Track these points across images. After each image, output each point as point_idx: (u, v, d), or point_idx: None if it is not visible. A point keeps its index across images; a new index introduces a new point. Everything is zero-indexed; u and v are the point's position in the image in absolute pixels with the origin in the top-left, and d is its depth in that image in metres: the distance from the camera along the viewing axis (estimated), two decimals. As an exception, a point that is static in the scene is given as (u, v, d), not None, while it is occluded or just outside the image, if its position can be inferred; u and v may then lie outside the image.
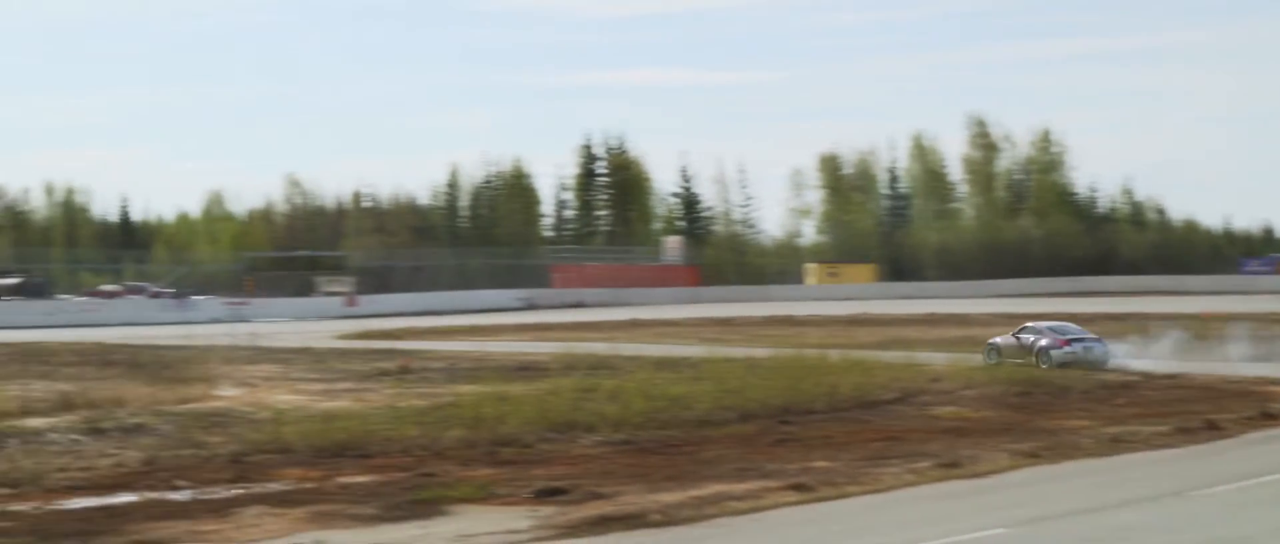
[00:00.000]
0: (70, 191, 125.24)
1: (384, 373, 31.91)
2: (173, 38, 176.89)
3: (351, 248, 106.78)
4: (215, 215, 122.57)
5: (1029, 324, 37.55)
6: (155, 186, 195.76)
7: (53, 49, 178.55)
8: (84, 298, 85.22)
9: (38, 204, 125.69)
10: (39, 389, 28.21)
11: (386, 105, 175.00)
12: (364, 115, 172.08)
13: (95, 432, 20.99)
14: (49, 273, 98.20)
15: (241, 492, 16.12)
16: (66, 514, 14.82)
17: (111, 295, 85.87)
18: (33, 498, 15.73)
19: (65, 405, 23.89)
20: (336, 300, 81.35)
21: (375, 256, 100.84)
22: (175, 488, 16.40)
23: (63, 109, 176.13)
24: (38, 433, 20.60)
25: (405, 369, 32.70)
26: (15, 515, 14.68)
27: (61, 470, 17.51)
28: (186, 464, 18.12)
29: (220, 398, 26.14)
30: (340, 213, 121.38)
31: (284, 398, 26.51)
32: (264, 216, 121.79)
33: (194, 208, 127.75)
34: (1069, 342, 36.04)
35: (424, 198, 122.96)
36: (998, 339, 36.87)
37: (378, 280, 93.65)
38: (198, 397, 25.76)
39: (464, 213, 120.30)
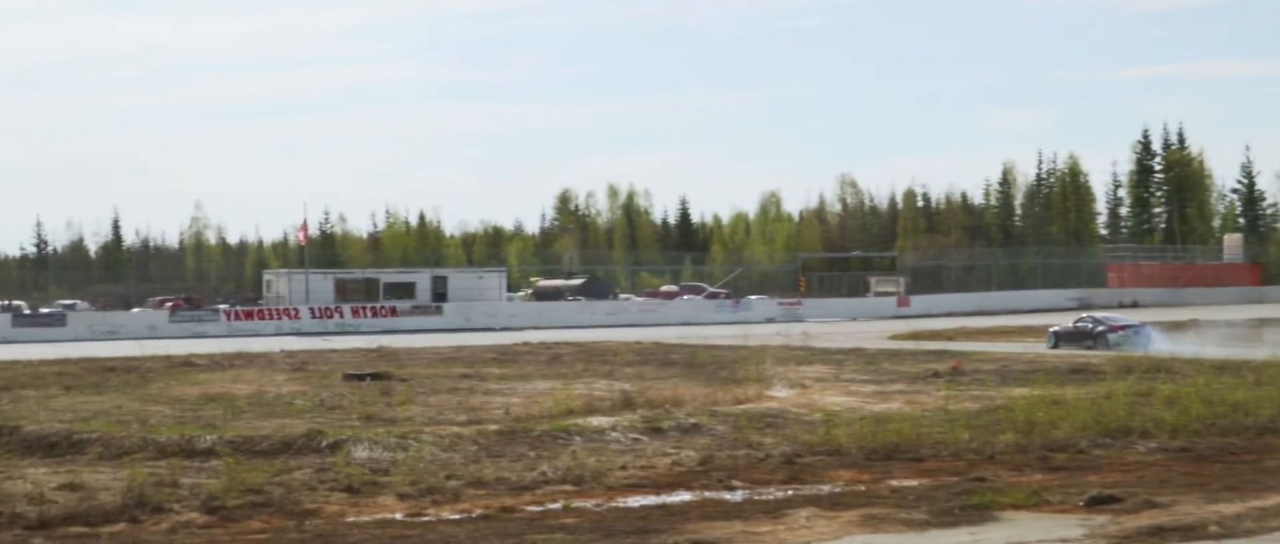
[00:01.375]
0: (631, 194, 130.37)
1: (935, 374, 31.61)
2: (724, 42, 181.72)
3: (903, 247, 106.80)
4: (770, 215, 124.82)
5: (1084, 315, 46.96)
6: (712, 188, 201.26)
7: (613, 56, 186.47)
8: (643, 298, 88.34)
9: (601, 207, 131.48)
10: (602, 388, 29.38)
11: (940, 102, 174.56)
12: (917, 113, 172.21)
13: (654, 431, 21.59)
14: (611, 274, 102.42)
15: (793, 493, 16.20)
16: (627, 512, 15.21)
17: (670, 296, 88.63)
18: (595, 495, 16.27)
19: (626, 404, 24.70)
20: (888, 300, 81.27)
21: (927, 256, 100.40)
22: (730, 488, 16.64)
23: (625, 114, 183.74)
24: (600, 431, 21.32)
25: (957, 371, 32.33)
26: (579, 512, 15.20)
27: (623, 469, 18.06)
28: (741, 464, 18.37)
29: (773, 399, 26.43)
30: (892, 212, 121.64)
31: (835, 399, 26.61)
32: (817, 216, 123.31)
33: (750, 208, 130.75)
34: (1122, 328, 43.35)
35: (977, 196, 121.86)
36: (1056, 328, 45.17)
37: (930, 280, 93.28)
38: (752, 397, 26.15)
39: (1018, 211, 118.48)
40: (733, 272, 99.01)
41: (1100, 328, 43.01)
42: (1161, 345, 39.65)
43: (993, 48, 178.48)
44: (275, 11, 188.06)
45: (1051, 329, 45.26)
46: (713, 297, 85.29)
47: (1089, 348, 41.13)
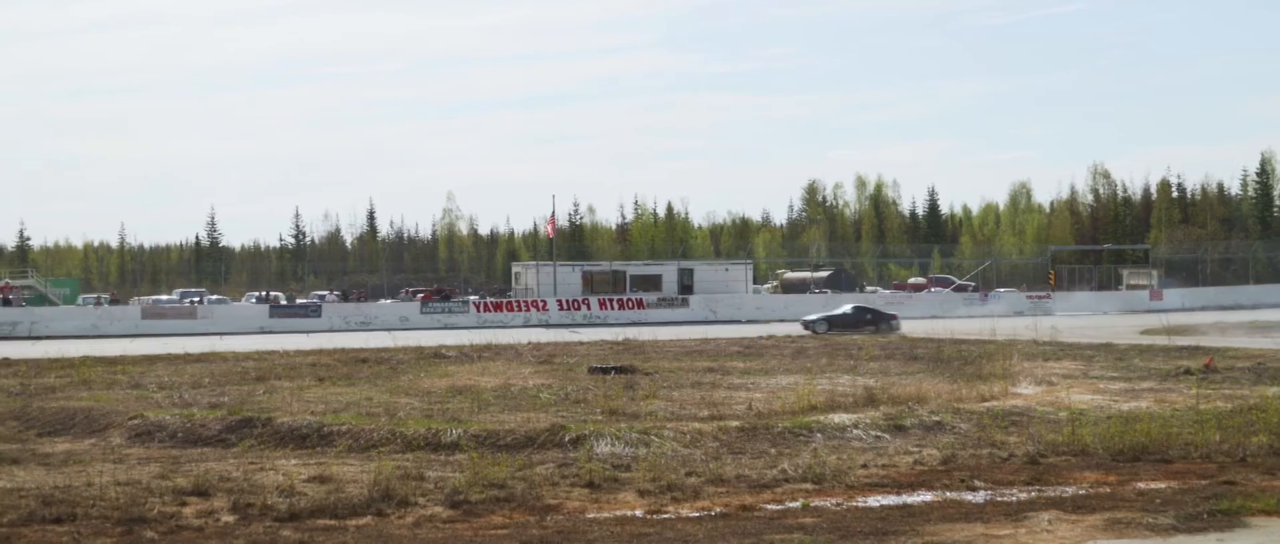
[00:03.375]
0: (879, 185, 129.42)
1: (1187, 372, 30.72)
2: (974, 30, 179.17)
3: (1157, 239, 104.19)
4: (1020, 207, 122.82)
5: None
6: (961, 179, 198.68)
7: (862, 46, 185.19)
8: (890, 290, 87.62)
9: (848, 198, 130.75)
10: (845, 383, 29.24)
11: (1197, 90, 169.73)
12: (1173, 101, 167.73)
13: (896, 428, 21.39)
14: (858, 266, 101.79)
15: (1036, 495, 15.88)
16: (866, 511, 15.08)
17: (917, 288, 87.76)
18: (835, 494, 16.18)
19: (869, 401, 24.54)
20: (1140, 294, 79.33)
21: (1181, 248, 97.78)
22: (972, 489, 16.39)
23: (873, 104, 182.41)
24: (842, 428, 21.19)
25: (1209, 368, 31.37)
26: (818, 511, 15.13)
27: (864, 467, 17.93)
28: (983, 464, 18.09)
29: (1019, 396, 25.99)
30: (1146, 203, 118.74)
31: (1083, 397, 26.04)
32: (1068, 207, 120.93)
33: (1000, 199, 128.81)
34: None
35: (1234, 186, 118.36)
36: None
37: (1184, 273, 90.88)
38: (997, 394, 25.76)
39: (1277, 203, 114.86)
40: (981, 264, 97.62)
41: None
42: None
43: (1252, 34, 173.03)
44: (526, 4, 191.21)
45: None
46: (960, 289, 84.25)
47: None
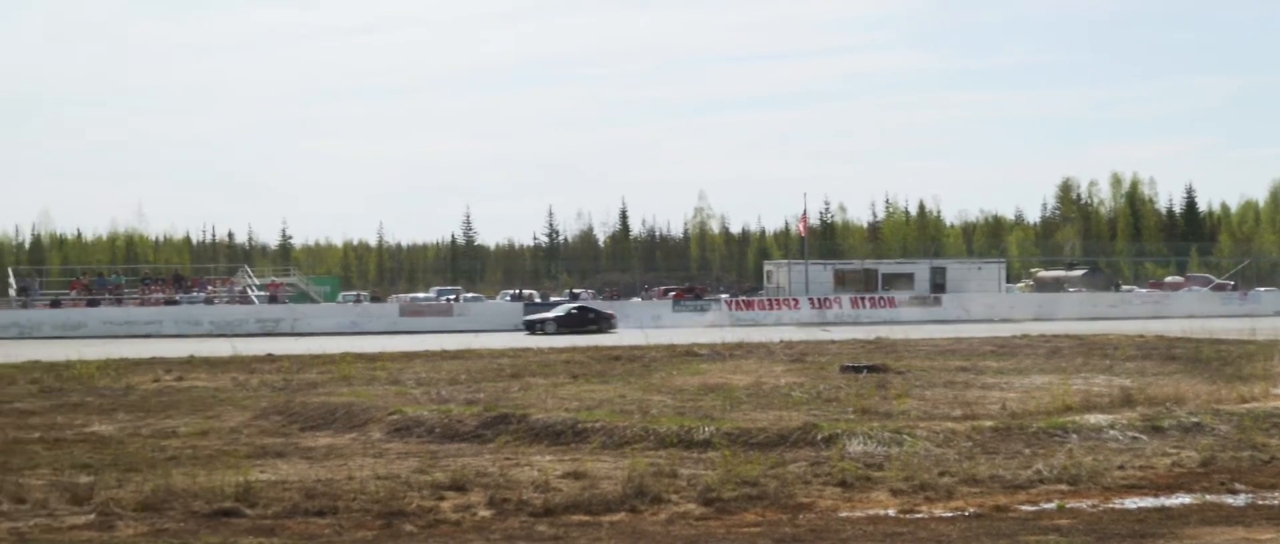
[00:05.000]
0: (1135, 182, 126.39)
1: None
2: (1232, 24, 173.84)
3: None
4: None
5: None
6: (1220, 175, 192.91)
7: (1116, 41, 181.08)
8: (1146, 289, 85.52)
9: (1103, 196, 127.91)
10: (1100, 383, 28.66)
11: None
12: None
13: (1154, 429, 20.86)
14: (1114, 264, 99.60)
15: (1296, 498, 15.47)
16: (1122, 514, 14.80)
17: (1174, 287, 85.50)
18: (1091, 495, 15.90)
19: (1125, 401, 24.00)
20: None
21: None
22: (1232, 492, 15.98)
23: (1128, 100, 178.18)
24: (1098, 429, 20.77)
25: None
26: (1074, 512, 14.90)
27: (1120, 469, 17.58)
28: (1244, 467, 17.59)
29: (1281, 397, 25.25)
30: None
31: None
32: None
33: (1260, 196, 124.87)
34: None
35: None
36: None
37: None
38: (1258, 396, 24.94)
39: None
40: (1240, 262, 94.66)
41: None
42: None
43: None
44: (775, 2, 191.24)
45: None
46: (1219, 288, 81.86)
47: None
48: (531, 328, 61.63)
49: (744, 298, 77.05)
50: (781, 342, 45.01)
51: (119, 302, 76.12)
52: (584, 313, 63.54)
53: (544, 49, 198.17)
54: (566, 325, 61.72)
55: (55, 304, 76.31)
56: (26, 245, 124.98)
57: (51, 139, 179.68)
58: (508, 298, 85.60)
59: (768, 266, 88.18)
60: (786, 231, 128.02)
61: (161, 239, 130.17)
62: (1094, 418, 21.67)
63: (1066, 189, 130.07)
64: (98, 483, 16.67)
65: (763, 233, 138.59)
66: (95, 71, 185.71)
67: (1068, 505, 15.32)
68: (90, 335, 65.33)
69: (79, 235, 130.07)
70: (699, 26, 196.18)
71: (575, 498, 15.38)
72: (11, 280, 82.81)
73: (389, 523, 14.34)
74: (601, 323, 62.63)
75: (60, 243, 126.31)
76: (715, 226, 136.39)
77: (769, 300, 74.11)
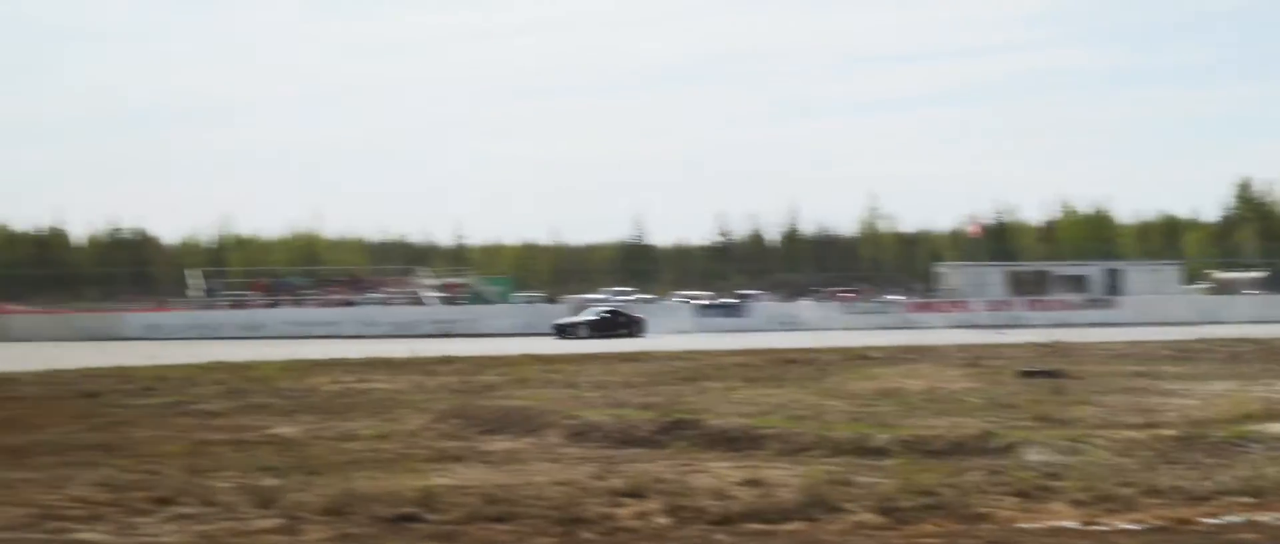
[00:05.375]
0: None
1: None
2: None
3: None
4: None
5: None
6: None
7: None
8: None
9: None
10: (1284, 390, 28.07)
11: None
12: None
13: (1344, 439, 20.42)
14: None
15: None
16: (1313, 527, 14.53)
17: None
18: (1276, 508, 15.57)
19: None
20: None
21: None
22: None
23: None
24: (1280, 438, 20.39)
25: None
26: (1259, 527, 14.57)
27: (1306, 480, 17.22)
28: None
29: None
30: None
31: None
32: None
33: None
34: None
35: None
36: None
37: None
38: None
39: None
40: None
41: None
42: None
43: None
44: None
45: None
46: None
47: None
48: (563, 332, 62.29)
49: (917, 299, 76.53)
50: (955, 345, 44.61)
51: (299, 303, 77.69)
52: (616, 317, 64.95)
53: (714, 48, 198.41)
54: (599, 330, 62.32)
55: (237, 305, 78.15)
56: (210, 247, 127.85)
57: (234, 143, 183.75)
58: (680, 299, 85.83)
59: (939, 268, 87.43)
60: (959, 232, 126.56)
61: (338, 240, 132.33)
62: (1277, 427, 21.20)
63: (1244, 188, 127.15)
64: (283, 486, 17.02)
65: (934, 233, 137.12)
66: (274, 76, 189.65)
67: (1254, 518, 14.99)
68: (271, 336, 66.83)
69: (259, 237, 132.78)
70: (868, 25, 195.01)
71: (752, 506, 15.40)
72: (196, 281, 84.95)
73: (569, 530, 14.47)
74: (632, 327, 63.48)
75: (242, 244, 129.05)
76: (886, 227, 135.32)
77: (942, 302, 73.52)
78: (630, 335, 61.98)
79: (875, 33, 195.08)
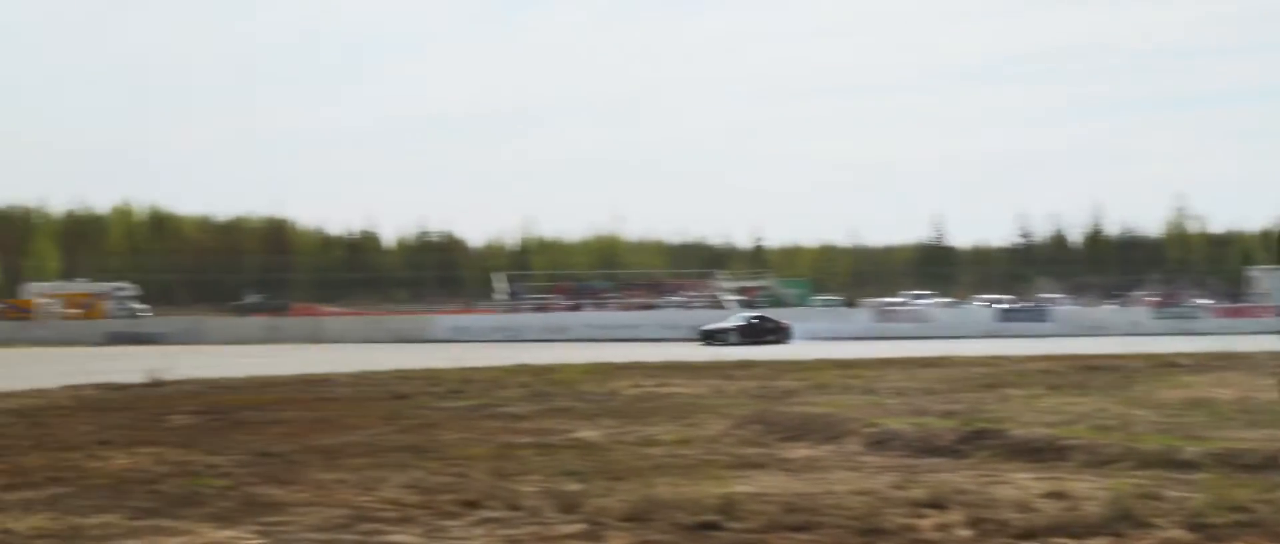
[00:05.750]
0: None
1: None
2: None
3: None
4: None
5: None
6: None
7: None
8: None
9: None
10: None
11: None
12: None
13: None
14: None
15: None
16: None
17: None
18: None
19: None
20: None
21: None
22: None
23: None
24: None
25: None
26: None
27: None
28: None
29: None
30: None
31: None
32: None
33: None
34: None
35: None
36: None
37: None
38: None
39: None
40: None
41: None
42: None
43: None
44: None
45: None
46: None
47: None
48: (709, 338, 62.24)
49: (1227, 305, 74.01)
50: (1269, 352, 42.97)
51: (600, 305, 78.91)
52: (764, 323, 65.13)
53: (1010, 46, 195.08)
54: (748, 336, 62.33)
55: (541, 308, 79.71)
56: (514, 250, 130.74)
57: (537, 147, 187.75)
58: (981, 303, 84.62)
59: (1252, 272, 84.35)
60: (1272, 233, 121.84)
61: (639, 243, 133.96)
62: None
63: None
64: (585, 491, 17.31)
65: (1246, 234, 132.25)
66: (576, 80, 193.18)
67: None
68: (573, 339, 68.07)
69: (562, 240, 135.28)
70: (1163, 21, 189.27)
71: (1057, 520, 15.09)
72: (501, 284, 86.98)
73: (869, 540, 14.40)
74: (779, 334, 63.37)
75: (545, 247, 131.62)
76: (1195, 227, 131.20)
77: (1254, 307, 70.95)
78: (777, 342, 62.38)
79: (1172, 28, 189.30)
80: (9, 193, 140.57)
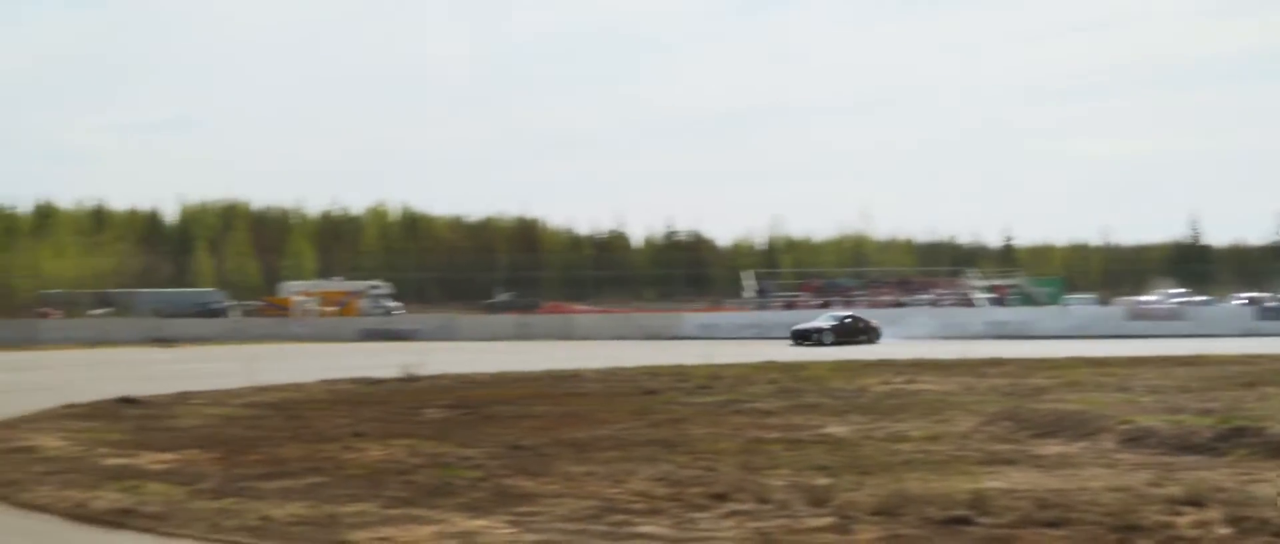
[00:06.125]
0: None
1: None
2: None
3: None
4: None
5: None
6: None
7: None
8: None
9: None
10: None
11: None
12: None
13: None
14: None
15: None
16: None
17: None
18: None
19: None
20: None
21: None
22: None
23: None
24: None
25: None
26: None
27: None
28: None
29: None
30: None
31: None
32: None
33: None
34: None
35: None
36: None
37: None
38: None
39: None
40: None
41: None
42: None
43: None
44: None
45: None
46: None
47: None
48: (802, 338, 62.01)
49: None
50: None
51: (848, 303, 78.59)
52: (856, 323, 65.75)
53: (1269, 43, 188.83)
54: (841, 336, 63.04)
55: (789, 305, 79.77)
56: (762, 249, 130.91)
57: (785, 146, 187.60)
58: (1239, 301, 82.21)
59: None
60: None
61: (887, 241, 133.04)
62: None
63: None
64: (834, 485, 17.36)
65: None
66: (825, 79, 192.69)
67: None
68: (821, 337, 67.73)
69: (809, 238, 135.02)
70: None
71: None
72: (749, 282, 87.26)
73: (1124, 537, 14.18)
74: (870, 334, 64.72)
75: (792, 246, 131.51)
76: None
77: None
78: (868, 342, 62.94)
79: None
80: (268, 195, 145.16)
